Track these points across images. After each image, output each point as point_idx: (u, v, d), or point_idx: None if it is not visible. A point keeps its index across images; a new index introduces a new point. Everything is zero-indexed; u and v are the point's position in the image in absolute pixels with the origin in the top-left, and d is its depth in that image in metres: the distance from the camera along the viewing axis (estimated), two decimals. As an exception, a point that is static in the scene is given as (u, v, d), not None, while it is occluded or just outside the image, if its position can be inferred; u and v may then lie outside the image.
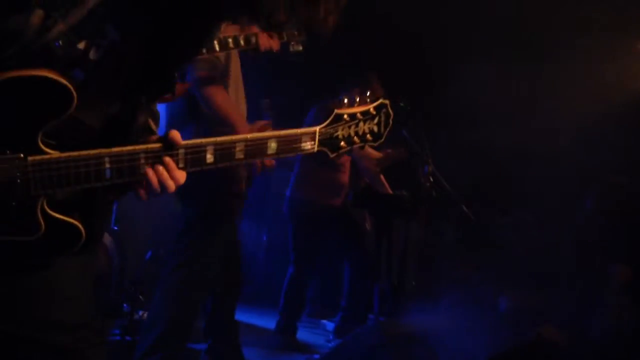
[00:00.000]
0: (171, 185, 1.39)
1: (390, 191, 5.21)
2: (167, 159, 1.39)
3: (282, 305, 4.96)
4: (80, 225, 1.38)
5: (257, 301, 6.30)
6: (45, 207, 1.34)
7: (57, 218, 1.36)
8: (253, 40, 2.88)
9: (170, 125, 3.33)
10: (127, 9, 1.33)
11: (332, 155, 1.68)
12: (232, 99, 3.35)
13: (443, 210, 5.03)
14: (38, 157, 1.31)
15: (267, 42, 2.97)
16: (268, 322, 5.22)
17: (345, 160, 5.02)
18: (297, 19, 1.25)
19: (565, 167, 5.16)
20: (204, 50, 2.69)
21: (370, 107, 1.74)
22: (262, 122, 3.58)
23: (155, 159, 1.39)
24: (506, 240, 4.83)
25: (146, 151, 1.39)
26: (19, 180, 1.29)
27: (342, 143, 1.69)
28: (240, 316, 5.55)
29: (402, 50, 6.08)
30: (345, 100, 1.72)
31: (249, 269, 6.92)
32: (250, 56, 3.17)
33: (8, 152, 1.28)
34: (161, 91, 1.51)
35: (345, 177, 5.05)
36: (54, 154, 1.32)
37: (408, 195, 5.01)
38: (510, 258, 4.60)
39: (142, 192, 1.41)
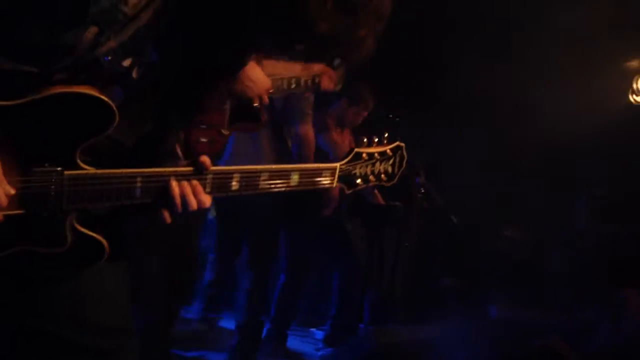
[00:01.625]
0: (194, 206, 1.42)
1: (382, 201, 5.26)
2: (195, 182, 1.43)
3: (273, 314, 4.97)
4: (104, 242, 1.40)
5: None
6: (74, 221, 1.36)
7: (84, 233, 1.38)
8: (317, 80, 3.21)
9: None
10: (168, 31, 1.35)
11: (348, 192, 1.74)
12: None
13: (434, 221, 5.10)
14: (75, 172, 1.33)
15: (328, 83, 3.29)
16: (258, 330, 5.22)
17: None
18: (337, 33, 1.27)
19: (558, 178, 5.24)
20: (292, 86, 3.08)
21: (387, 149, 1.81)
22: None
23: (185, 181, 1.43)
24: (497, 251, 4.90)
25: (176, 173, 1.42)
26: (52, 193, 1.31)
27: (359, 180, 1.75)
28: (231, 324, 5.55)
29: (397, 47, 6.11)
30: (365, 140, 1.78)
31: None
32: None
33: (46, 164, 1.30)
34: (191, 116, 1.55)
35: (335, 189, 5.08)
36: (90, 170, 1.34)
37: (400, 206, 5.07)
38: (501, 269, 4.66)
39: (165, 213, 1.43)
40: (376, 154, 1.77)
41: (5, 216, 1.27)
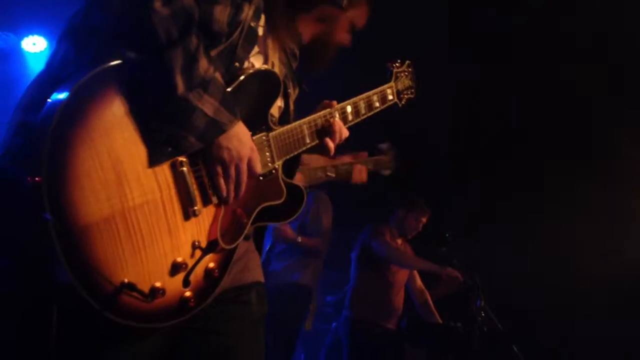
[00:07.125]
0: (343, 137, 1.81)
1: (440, 320, 5.10)
2: (337, 120, 1.81)
3: None
4: (302, 187, 1.68)
5: None
6: (281, 176, 1.65)
7: (290, 183, 1.66)
8: (348, 170, 3.22)
9: None
10: None
11: (401, 105, 2.14)
12: None
13: (493, 348, 4.85)
14: (275, 131, 1.62)
15: (359, 175, 3.25)
16: None
17: (401, 280, 4.97)
18: None
19: None
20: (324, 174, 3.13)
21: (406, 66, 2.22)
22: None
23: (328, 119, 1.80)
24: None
25: (325, 115, 1.79)
26: (268, 153, 1.59)
27: (404, 94, 2.15)
28: None
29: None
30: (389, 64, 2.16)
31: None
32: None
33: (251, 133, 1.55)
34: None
35: (399, 300, 4.99)
36: (279, 127, 1.65)
37: (461, 327, 4.84)
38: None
39: (330, 144, 1.75)
40: (401, 73, 2.13)
41: (250, 184, 1.52)
